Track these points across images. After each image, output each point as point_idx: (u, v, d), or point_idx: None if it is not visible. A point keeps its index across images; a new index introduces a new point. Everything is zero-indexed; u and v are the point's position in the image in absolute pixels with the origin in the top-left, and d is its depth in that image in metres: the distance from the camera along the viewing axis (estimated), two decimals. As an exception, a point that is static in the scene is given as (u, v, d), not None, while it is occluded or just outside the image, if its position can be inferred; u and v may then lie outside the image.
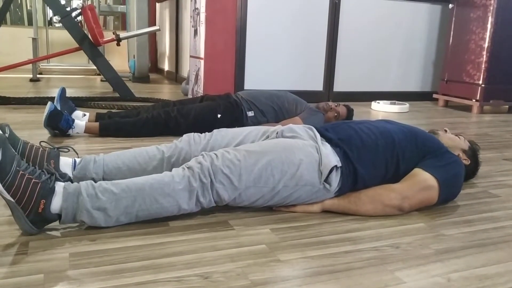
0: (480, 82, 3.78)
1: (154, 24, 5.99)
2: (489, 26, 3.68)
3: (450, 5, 4.04)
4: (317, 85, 4.08)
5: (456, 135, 1.68)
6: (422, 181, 1.37)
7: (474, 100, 3.84)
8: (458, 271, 1.05)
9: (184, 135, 1.54)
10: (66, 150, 1.50)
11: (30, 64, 4.34)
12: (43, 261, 1.00)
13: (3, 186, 1.05)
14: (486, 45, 3.71)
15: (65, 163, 1.42)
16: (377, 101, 3.88)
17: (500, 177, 1.86)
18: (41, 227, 1.13)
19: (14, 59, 4.15)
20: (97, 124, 2.25)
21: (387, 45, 4.27)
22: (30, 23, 5.83)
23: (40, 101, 3.07)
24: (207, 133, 1.55)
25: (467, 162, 1.60)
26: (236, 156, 1.27)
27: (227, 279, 0.96)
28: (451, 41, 4.05)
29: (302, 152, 1.31)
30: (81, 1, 4.91)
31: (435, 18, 4.40)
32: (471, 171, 1.67)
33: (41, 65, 5.34)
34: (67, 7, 4.94)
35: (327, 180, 1.30)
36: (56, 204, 1.12)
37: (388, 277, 1.01)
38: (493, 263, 1.10)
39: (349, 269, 1.03)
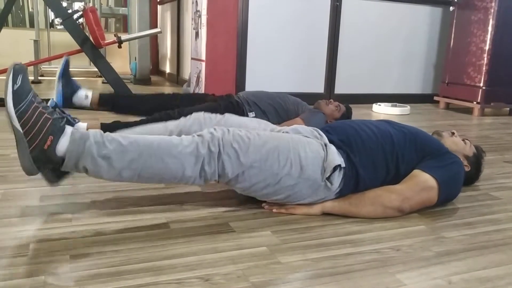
0: (481, 84, 3.78)
1: (156, 27, 6.00)
2: (490, 28, 3.68)
3: (451, 8, 4.05)
4: (318, 87, 4.09)
5: (463, 140, 1.65)
6: (422, 182, 1.37)
7: (475, 103, 3.84)
8: (459, 274, 1.05)
9: (193, 114, 1.52)
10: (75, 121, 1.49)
11: (32, 66, 4.35)
12: (43, 263, 1.00)
13: (15, 113, 1.03)
14: (487, 47, 3.71)
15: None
16: (378, 103, 3.88)
17: (501, 179, 1.86)
18: (41, 168, 1.11)
19: (16, 61, 4.15)
20: (98, 124, 2.24)
21: (388, 47, 4.27)
22: (31, 25, 5.84)
23: (42, 103, 3.07)
24: (218, 114, 1.54)
25: (467, 168, 1.58)
26: (247, 134, 1.28)
27: (227, 281, 0.96)
28: (452, 43, 4.05)
29: (309, 146, 1.32)
30: (83, 3, 4.92)
31: (436, 20, 4.41)
32: (471, 178, 1.66)
33: (43, 67, 5.34)
34: (68, 9, 4.94)
35: (329, 178, 1.30)
36: (62, 145, 1.10)
37: (389, 280, 1.00)
38: (494, 266, 1.10)
39: (350, 272, 1.03)
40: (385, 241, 1.21)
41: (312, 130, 1.45)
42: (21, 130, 1.05)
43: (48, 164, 1.12)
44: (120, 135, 1.18)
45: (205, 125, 1.49)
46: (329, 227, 1.28)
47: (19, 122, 1.05)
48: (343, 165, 1.32)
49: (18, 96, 1.05)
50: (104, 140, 1.14)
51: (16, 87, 1.06)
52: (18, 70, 1.08)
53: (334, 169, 1.30)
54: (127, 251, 1.08)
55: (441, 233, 1.28)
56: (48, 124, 1.08)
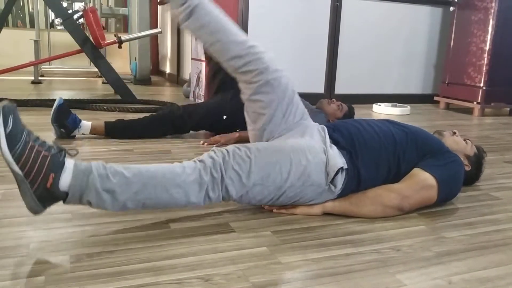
0: (481, 84, 3.78)
1: (156, 27, 6.00)
2: (490, 28, 3.68)
3: (451, 8, 4.05)
4: (318, 87, 4.09)
5: (464, 140, 1.65)
6: (422, 181, 1.37)
7: (475, 103, 3.84)
8: (459, 274, 1.05)
9: (268, 51, 1.45)
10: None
11: (32, 66, 4.35)
12: (43, 263, 1.00)
13: (12, 156, 1.01)
14: (487, 47, 3.71)
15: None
16: (378, 103, 3.88)
17: (501, 180, 1.86)
18: (46, 205, 1.09)
19: (16, 61, 4.16)
20: (102, 123, 2.25)
21: (388, 47, 4.27)
22: (32, 25, 5.84)
23: (42, 103, 3.08)
24: (283, 70, 1.47)
25: (468, 168, 1.59)
26: (246, 153, 1.27)
27: (228, 282, 0.96)
28: (452, 43, 4.05)
29: (310, 152, 1.31)
30: (83, 4, 4.92)
31: (436, 20, 4.41)
32: (471, 178, 1.67)
33: (43, 67, 5.35)
34: (69, 10, 4.95)
35: (332, 181, 1.31)
36: (65, 180, 1.08)
37: (389, 280, 1.00)
38: (494, 266, 1.10)
39: (350, 272, 1.03)
40: (385, 241, 1.21)
41: (319, 129, 1.45)
42: (20, 173, 1.04)
43: (52, 201, 1.10)
44: (123, 167, 1.17)
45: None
46: (329, 227, 1.28)
47: (17, 165, 1.03)
48: (345, 166, 1.32)
49: (11, 139, 1.02)
50: (107, 172, 1.12)
51: (8, 130, 1.02)
52: (7, 111, 1.03)
53: (337, 172, 1.31)
54: (127, 251, 1.08)
55: (442, 233, 1.28)
56: (47, 162, 1.06)
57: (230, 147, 1.29)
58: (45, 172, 1.05)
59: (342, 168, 1.32)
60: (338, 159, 1.32)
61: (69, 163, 1.11)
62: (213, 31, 1.40)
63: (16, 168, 1.03)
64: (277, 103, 1.41)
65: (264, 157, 1.27)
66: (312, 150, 1.32)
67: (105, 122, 2.26)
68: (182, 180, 1.18)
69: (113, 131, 2.25)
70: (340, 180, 1.32)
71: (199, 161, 1.24)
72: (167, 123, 2.30)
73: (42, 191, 1.06)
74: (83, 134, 2.23)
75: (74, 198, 1.10)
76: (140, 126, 2.29)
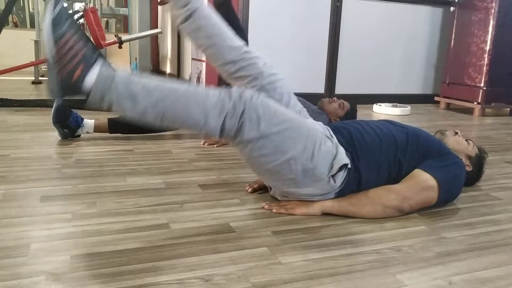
0: (482, 84, 3.78)
1: (156, 27, 5.99)
2: (490, 28, 3.68)
3: (452, 8, 4.05)
4: (319, 88, 4.09)
5: (466, 140, 1.65)
6: (422, 182, 1.37)
7: (475, 103, 3.84)
8: (459, 274, 1.05)
9: (264, 56, 1.47)
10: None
11: (32, 67, 4.36)
12: (43, 264, 1.00)
13: (53, 33, 1.06)
14: (487, 47, 3.71)
15: None
16: (379, 103, 3.88)
17: (502, 180, 1.86)
18: (64, 95, 1.12)
19: (16, 61, 4.16)
20: (106, 121, 2.25)
21: (389, 47, 4.27)
22: (32, 25, 5.84)
23: (42, 104, 3.08)
24: (279, 74, 1.49)
25: (469, 168, 1.59)
26: (274, 106, 1.27)
27: (228, 282, 0.96)
28: (452, 43, 4.05)
29: (324, 140, 1.32)
30: (83, 4, 4.92)
31: (437, 20, 4.40)
32: (472, 178, 1.67)
33: (43, 68, 5.34)
34: (69, 10, 4.94)
35: (334, 176, 1.31)
36: (91, 78, 1.11)
37: (389, 280, 1.00)
38: (494, 266, 1.10)
39: (350, 272, 1.03)
40: (385, 241, 1.21)
41: (325, 129, 1.45)
42: (55, 53, 1.07)
43: (72, 93, 1.13)
44: (146, 80, 1.19)
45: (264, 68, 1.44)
46: (329, 228, 1.28)
47: (55, 46, 1.07)
48: (349, 165, 1.32)
49: (59, 20, 1.07)
50: (131, 79, 1.15)
51: (54, 15, 1.08)
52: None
53: (341, 168, 1.30)
54: (128, 251, 1.07)
55: (442, 234, 1.28)
56: (83, 52, 1.10)
57: (262, 94, 1.28)
58: (76, 63, 1.09)
59: (346, 165, 1.32)
60: (345, 156, 1.33)
61: (98, 64, 1.14)
62: (209, 35, 1.41)
63: (53, 50, 1.06)
64: None
65: (288, 119, 1.27)
66: (328, 142, 1.33)
67: (109, 119, 2.25)
68: (203, 101, 1.19)
69: (116, 128, 2.25)
70: (341, 177, 1.32)
71: (226, 91, 1.24)
72: None
73: (67, 80, 1.09)
74: (88, 132, 2.22)
75: (96, 97, 1.13)
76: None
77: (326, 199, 1.35)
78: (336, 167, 1.30)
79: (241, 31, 2.32)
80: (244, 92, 1.24)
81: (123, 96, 1.13)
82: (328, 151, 1.31)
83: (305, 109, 1.53)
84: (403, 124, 1.54)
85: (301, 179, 1.30)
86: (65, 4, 1.22)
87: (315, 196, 1.35)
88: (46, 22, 1.07)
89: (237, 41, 1.44)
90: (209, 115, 1.19)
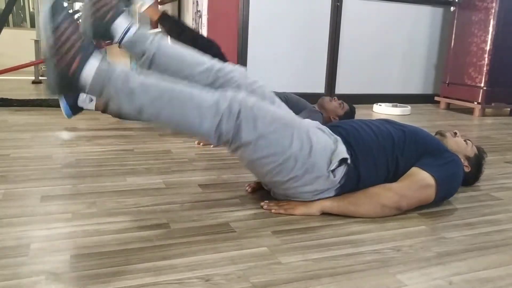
0: (482, 84, 3.78)
1: (156, 27, 6.00)
2: (490, 29, 3.68)
3: (452, 8, 4.05)
4: (319, 87, 4.09)
5: (465, 140, 1.65)
6: (420, 180, 1.37)
7: (475, 103, 3.84)
8: (459, 274, 1.05)
9: (237, 66, 1.50)
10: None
11: (32, 66, 4.36)
12: (43, 263, 1.00)
13: (51, 22, 1.07)
14: (488, 47, 3.71)
15: (119, 25, 1.40)
16: (379, 103, 3.88)
17: (502, 180, 1.86)
18: (62, 91, 1.12)
19: (17, 61, 4.16)
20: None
21: (389, 47, 4.27)
22: (32, 25, 5.84)
23: (42, 103, 3.08)
24: (258, 81, 1.52)
25: (467, 169, 1.59)
26: (267, 106, 1.28)
27: (228, 282, 0.96)
28: (452, 43, 4.05)
29: (322, 135, 1.33)
30: (83, 4, 4.93)
31: (437, 20, 4.41)
32: (471, 178, 1.67)
33: (43, 67, 5.35)
34: (69, 10, 4.95)
35: (333, 171, 1.31)
36: (88, 70, 1.11)
37: (389, 280, 1.00)
38: (494, 266, 1.10)
39: (350, 272, 1.03)
40: (385, 241, 1.21)
41: (317, 123, 1.45)
42: (53, 42, 1.07)
43: (69, 89, 1.13)
44: (144, 75, 1.19)
45: (245, 83, 1.46)
46: (329, 228, 1.28)
47: (52, 36, 1.07)
48: (349, 161, 1.33)
49: (57, 7, 1.08)
50: (129, 75, 1.16)
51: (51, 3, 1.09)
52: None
53: (340, 162, 1.31)
54: (127, 251, 1.07)
55: (442, 234, 1.28)
56: (78, 44, 1.10)
57: (254, 97, 1.29)
58: (74, 54, 1.09)
59: (346, 160, 1.32)
60: (345, 152, 1.33)
61: (96, 57, 1.14)
62: (178, 69, 1.42)
63: (51, 38, 1.07)
64: None
65: (282, 116, 1.28)
66: (324, 137, 1.34)
67: (162, 12, 2.29)
68: (199, 102, 1.19)
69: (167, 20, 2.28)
70: (341, 172, 1.32)
71: (221, 91, 1.24)
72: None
73: (65, 74, 1.09)
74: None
75: (93, 91, 1.14)
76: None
77: (325, 198, 1.35)
78: (335, 161, 1.30)
79: (210, 46, 2.35)
80: (238, 93, 1.25)
81: (121, 91, 1.13)
82: (326, 145, 1.31)
83: (291, 111, 1.53)
84: (401, 123, 1.54)
85: (301, 177, 1.30)
86: (65, 4, 1.23)
87: (315, 193, 1.35)
88: (44, 10, 1.07)
89: (206, 62, 1.45)
90: (205, 115, 1.19)
